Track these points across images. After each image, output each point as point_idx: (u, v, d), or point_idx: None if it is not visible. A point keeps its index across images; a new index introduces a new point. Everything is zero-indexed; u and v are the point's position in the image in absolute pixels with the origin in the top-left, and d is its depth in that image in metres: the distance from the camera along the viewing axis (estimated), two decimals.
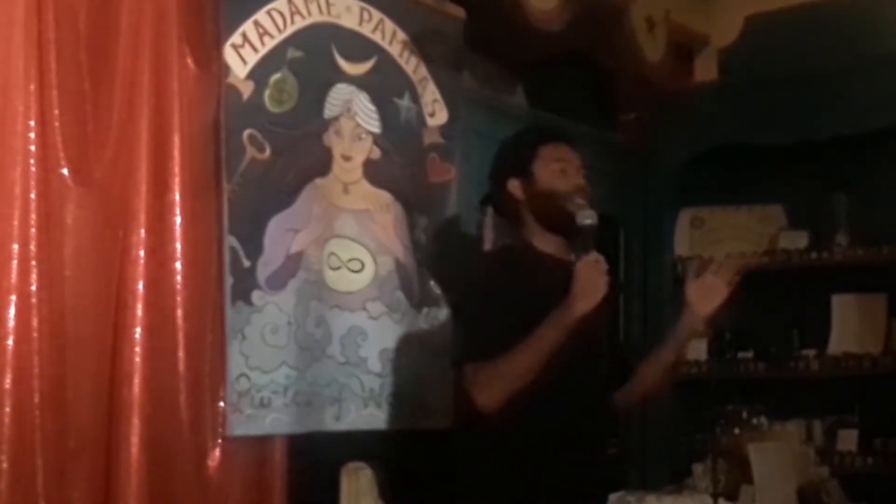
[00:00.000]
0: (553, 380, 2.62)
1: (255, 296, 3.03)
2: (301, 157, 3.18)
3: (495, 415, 2.65)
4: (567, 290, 2.67)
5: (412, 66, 3.54)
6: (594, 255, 2.70)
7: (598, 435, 2.87)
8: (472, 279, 2.95)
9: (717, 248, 4.75)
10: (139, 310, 2.74)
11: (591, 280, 2.66)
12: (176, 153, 2.86)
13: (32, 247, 2.54)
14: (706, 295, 2.92)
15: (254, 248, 3.04)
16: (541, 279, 2.77)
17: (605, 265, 2.69)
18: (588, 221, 2.73)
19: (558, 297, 2.67)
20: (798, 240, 4.59)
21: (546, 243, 2.84)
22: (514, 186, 2.87)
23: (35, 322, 2.53)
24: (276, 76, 3.12)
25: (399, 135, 3.47)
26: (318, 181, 3.23)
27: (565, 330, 2.63)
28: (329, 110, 3.28)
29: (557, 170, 2.84)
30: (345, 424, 3.25)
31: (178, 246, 2.85)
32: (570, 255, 2.78)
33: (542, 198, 2.83)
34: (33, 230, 2.54)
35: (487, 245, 3.99)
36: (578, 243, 2.74)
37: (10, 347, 2.48)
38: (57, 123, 2.64)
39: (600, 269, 2.68)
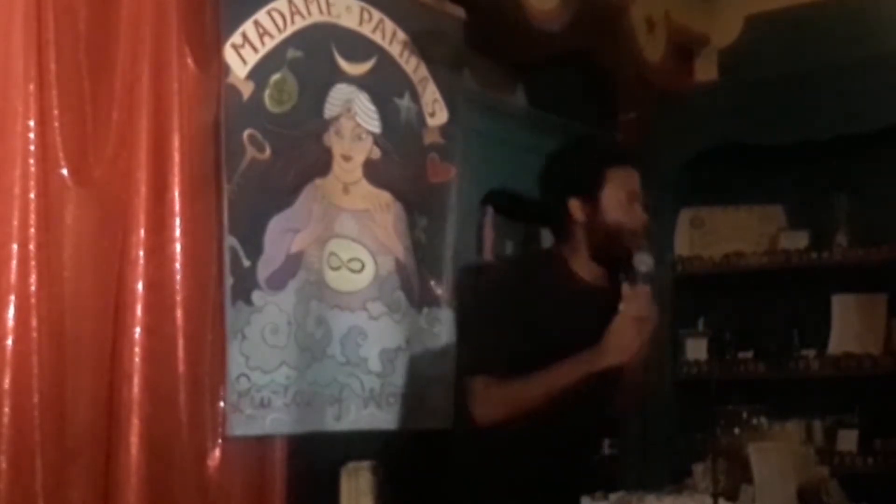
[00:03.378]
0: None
1: (255, 296, 3.03)
2: (301, 157, 3.18)
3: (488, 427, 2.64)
4: (597, 322, 2.59)
5: (412, 66, 3.54)
6: (643, 309, 2.61)
7: (588, 439, 2.86)
8: (495, 286, 2.86)
9: (717, 248, 4.76)
10: (139, 310, 2.74)
11: (628, 336, 2.58)
12: (176, 153, 2.86)
13: (32, 247, 2.54)
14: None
15: (254, 248, 3.03)
16: (571, 304, 2.69)
17: (651, 320, 2.63)
18: (644, 269, 2.65)
19: (585, 326, 2.60)
20: (798, 240, 4.59)
21: (586, 269, 2.75)
22: (576, 207, 2.74)
23: (34, 322, 2.52)
24: (276, 76, 3.12)
25: (399, 135, 3.47)
26: (318, 181, 3.23)
27: (587, 376, 2.56)
28: (329, 110, 3.28)
29: (625, 199, 2.72)
30: (345, 424, 3.24)
31: (178, 246, 2.84)
32: (608, 284, 2.71)
33: (604, 228, 2.71)
34: (33, 230, 2.54)
35: (487, 245, 4.00)
36: (629, 287, 2.64)
37: (9, 347, 2.48)
38: (56, 123, 2.63)
39: (641, 327, 2.60)
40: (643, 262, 2.64)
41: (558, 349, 2.59)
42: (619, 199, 2.71)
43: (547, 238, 4.52)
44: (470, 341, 2.84)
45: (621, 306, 2.62)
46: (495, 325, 2.68)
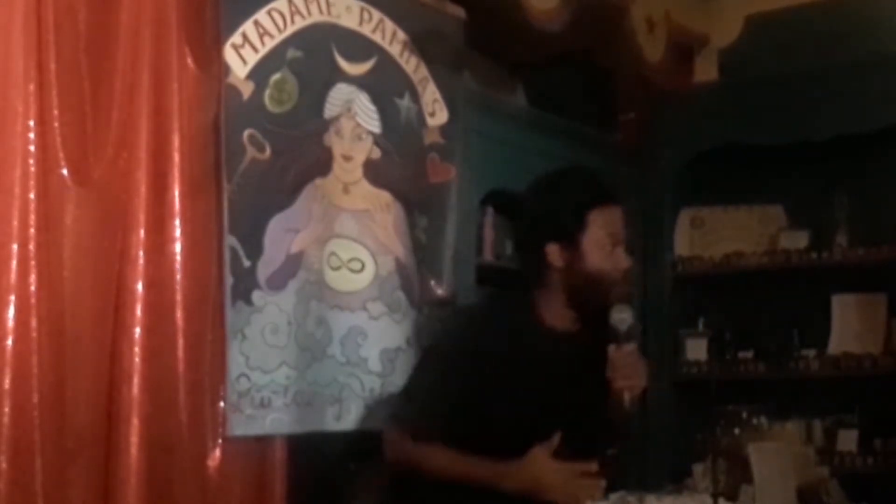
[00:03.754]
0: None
1: (256, 296, 3.03)
2: (301, 157, 3.18)
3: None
4: (568, 371, 2.47)
5: (412, 66, 3.54)
6: (632, 373, 2.45)
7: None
8: (453, 334, 2.67)
9: (717, 248, 4.76)
10: (139, 310, 2.74)
11: (548, 472, 2.40)
12: (176, 153, 2.86)
13: (32, 247, 2.53)
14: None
15: (254, 248, 3.03)
16: (536, 355, 2.51)
17: (641, 381, 2.47)
18: (622, 327, 2.47)
19: (553, 375, 2.47)
20: (798, 240, 4.59)
21: (559, 317, 2.56)
22: (554, 253, 2.52)
23: (34, 322, 2.52)
24: (276, 76, 3.12)
25: (399, 135, 3.47)
26: (318, 181, 3.23)
27: (498, 486, 2.40)
28: (329, 110, 3.28)
29: (606, 242, 2.51)
30: (345, 424, 3.24)
31: (178, 246, 2.84)
32: (583, 333, 2.55)
33: (583, 275, 2.50)
34: (32, 230, 2.54)
35: (487, 245, 4.00)
36: (614, 349, 2.47)
37: (9, 347, 2.48)
38: (56, 124, 2.63)
39: (581, 481, 2.40)
40: (622, 319, 2.47)
41: (524, 400, 2.44)
42: (601, 243, 2.51)
43: None
44: (412, 390, 2.61)
45: (609, 372, 2.46)
46: (438, 380, 2.51)
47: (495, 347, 2.49)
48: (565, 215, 2.52)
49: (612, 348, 2.46)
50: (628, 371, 2.45)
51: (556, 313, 2.55)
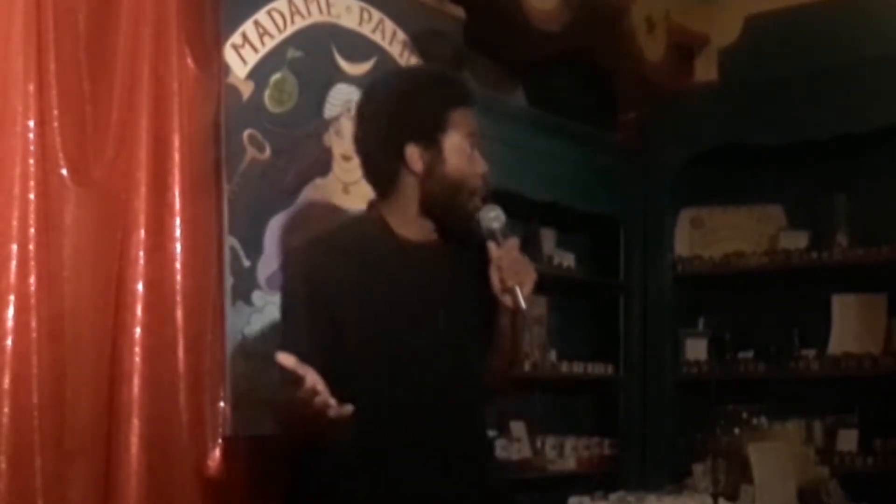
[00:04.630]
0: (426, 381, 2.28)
1: (255, 296, 3.02)
2: (301, 157, 3.18)
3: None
4: (429, 283, 2.31)
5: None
6: (519, 266, 2.28)
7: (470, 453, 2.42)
8: (298, 261, 2.43)
9: (717, 248, 4.76)
10: (139, 310, 2.74)
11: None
12: (176, 153, 2.86)
13: (31, 247, 2.53)
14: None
15: (254, 248, 3.03)
16: (392, 270, 2.33)
17: (531, 275, 2.28)
18: (496, 225, 2.33)
19: (414, 289, 2.31)
20: (798, 240, 4.60)
21: (412, 227, 2.38)
22: (413, 154, 2.34)
23: (34, 322, 2.52)
24: (276, 76, 3.12)
25: None
26: (318, 181, 3.23)
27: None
28: (329, 110, 3.28)
29: (468, 145, 2.37)
30: None
31: (178, 246, 2.84)
32: (435, 240, 2.39)
33: (444, 180, 2.35)
34: (32, 230, 2.54)
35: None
36: (494, 247, 2.30)
37: (8, 347, 2.47)
38: (56, 123, 2.63)
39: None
40: (495, 218, 2.33)
41: (389, 321, 2.27)
42: (461, 146, 2.35)
43: (548, 239, 4.56)
44: (284, 332, 2.40)
45: (492, 272, 2.27)
46: (299, 308, 2.32)
47: (346, 274, 2.30)
48: (427, 115, 2.35)
49: (492, 247, 2.30)
50: (516, 266, 2.28)
51: (408, 223, 2.37)
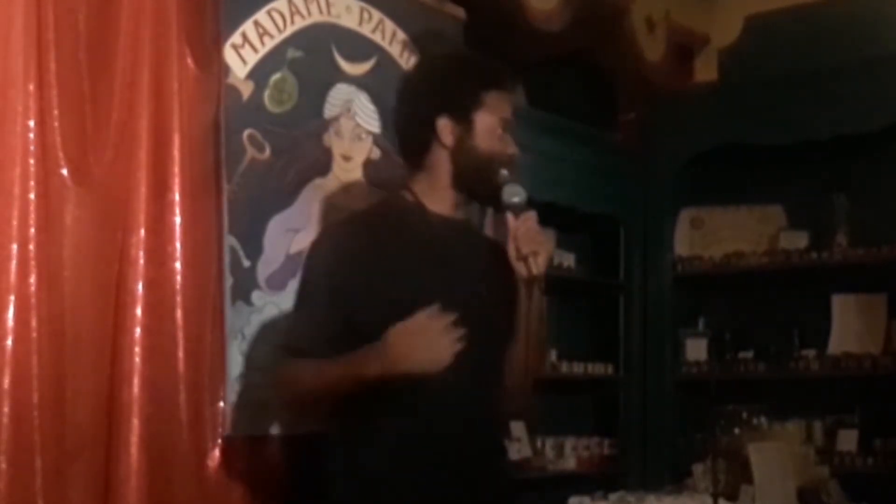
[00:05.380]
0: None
1: (255, 296, 3.03)
2: (301, 157, 3.18)
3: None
4: (458, 257, 2.37)
5: (412, 66, 3.54)
6: (535, 238, 2.33)
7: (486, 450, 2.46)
8: (328, 244, 2.46)
9: (717, 248, 4.76)
10: (139, 310, 2.74)
11: (430, 343, 2.19)
12: (176, 153, 2.86)
13: (32, 247, 2.53)
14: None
15: (254, 248, 3.03)
16: (425, 247, 2.39)
17: (546, 249, 2.36)
18: (516, 199, 2.39)
19: (445, 266, 2.35)
20: (798, 240, 4.60)
21: (443, 201, 2.45)
22: (445, 127, 2.42)
23: (34, 322, 2.52)
24: (276, 76, 3.12)
25: None
26: (318, 181, 3.23)
27: (376, 376, 2.21)
28: (329, 110, 3.28)
29: (499, 126, 2.44)
30: None
31: (178, 246, 2.84)
32: (465, 216, 2.50)
33: (474, 155, 2.42)
34: (32, 230, 2.54)
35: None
36: (513, 220, 2.36)
37: (9, 347, 2.48)
38: (56, 123, 2.63)
39: (444, 330, 2.18)
40: (515, 192, 2.39)
41: (424, 299, 2.24)
42: (493, 125, 2.43)
43: (548, 238, 4.56)
44: (300, 320, 2.45)
45: (509, 241, 2.35)
46: (331, 300, 2.34)
47: (378, 243, 2.36)
48: (463, 89, 2.43)
49: (510, 217, 2.37)
50: (531, 235, 2.35)
51: (439, 198, 2.45)
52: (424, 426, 2.33)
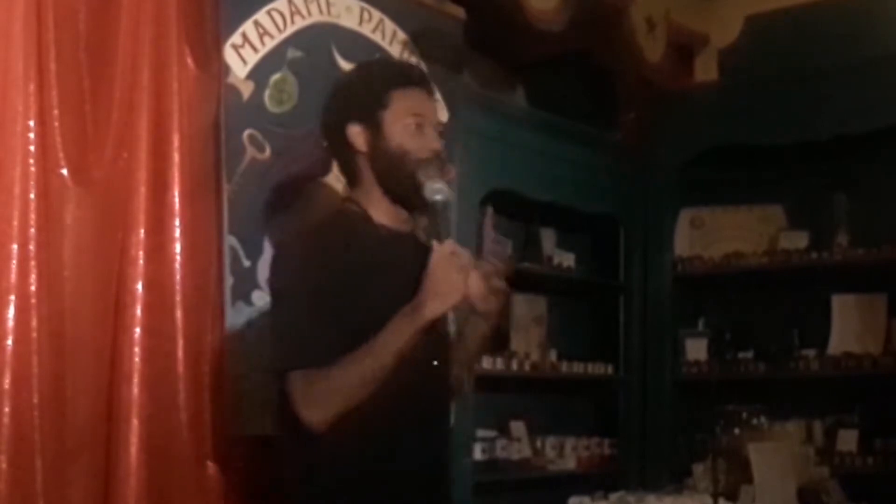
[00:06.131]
0: (392, 390, 2.22)
1: (255, 296, 3.02)
2: (301, 157, 3.18)
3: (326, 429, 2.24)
4: (407, 274, 2.26)
5: None
6: (450, 245, 2.25)
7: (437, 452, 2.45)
8: (291, 260, 2.38)
9: (717, 248, 4.76)
10: (139, 310, 2.74)
11: (446, 277, 2.20)
12: (176, 153, 2.86)
13: (32, 247, 2.54)
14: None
15: (254, 248, 3.03)
16: (377, 260, 2.32)
17: (464, 257, 2.25)
18: (438, 197, 2.31)
19: (402, 280, 2.26)
20: (798, 240, 4.59)
21: (385, 213, 2.40)
22: (356, 133, 2.40)
23: (34, 322, 2.52)
24: (276, 76, 3.12)
25: None
26: (318, 181, 3.23)
27: (413, 335, 2.20)
28: None
29: (412, 124, 2.38)
30: None
31: (178, 246, 2.84)
32: (412, 229, 2.42)
33: (389, 156, 2.37)
34: (33, 230, 2.54)
35: (488, 245, 4.00)
36: (431, 226, 2.34)
37: (9, 347, 2.48)
38: (56, 123, 2.64)
39: (458, 262, 2.22)
40: (437, 190, 2.31)
41: (381, 314, 2.22)
42: (404, 122, 2.37)
43: (548, 239, 4.56)
44: (279, 335, 2.33)
45: (434, 243, 2.27)
46: (303, 310, 2.26)
47: (341, 255, 2.30)
48: (366, 93, 2.41)
49: (434, 246, 2.26)
50: (445, 279, 2.22)
51: (382, 211, 2.41)
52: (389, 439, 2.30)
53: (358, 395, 2.21)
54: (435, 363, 2.39)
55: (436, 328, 2.32)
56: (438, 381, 2.43)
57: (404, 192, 2.38)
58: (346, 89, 2.50)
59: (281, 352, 2.31)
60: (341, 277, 2.26)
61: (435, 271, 2.21)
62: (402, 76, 2.46)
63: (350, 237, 2.35)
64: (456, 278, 2.21)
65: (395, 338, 2.21)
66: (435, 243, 2.27)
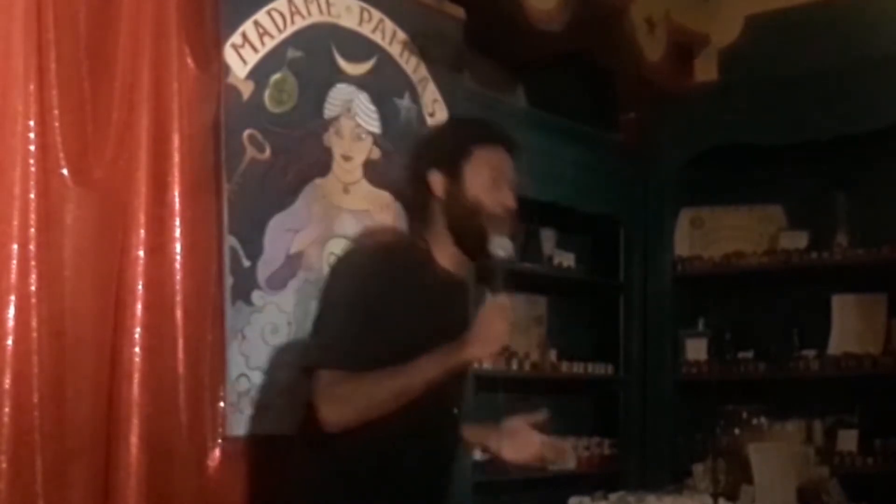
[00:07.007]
0: (408, 414, 2.34)
1: (255, 296, 3.03)
2: (301, 157, 3.19)
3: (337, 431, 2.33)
4: (459, 316, 2.42)
5: (412, 66, 3.54)
6: (503, 298, 2.37)
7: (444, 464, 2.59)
8: (355, 270, 2.49)
9: (717, 248, 4.77)
10: (139, 310, 2.74)
11: (494, 327, 2.34)
12: (176, 153, 2.86)
13: (32, 247, 2.54)
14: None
15: (254, 248, 3.04)
16: (432, 296, 2.46)
17: (510, 313, 2.37)
18: (502, 252, 2.42)
19: (446, 321, 2.41)
20: (798, 240, 4.60)
21: (448, 257, 2.51)
22: (436, 179, 2.50)
23: (34, 322, 2.53)
24: (276, 76, 3.12)
25: (399, 135, 3.47)
26: (318, 181, 3.23)
27: (448, 370, 2.34)
28: (329, 110, 3.28)
29: (489, 178, 2.49)
30: None
31: (178, 246, 2.84)
32: (466, 275, 2.54)
33: (463, 205, 2.48)
34: (33, 230, 2.54)
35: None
36: (489, 278, 2.42)
37: (9, 347, 2.48)
38: (57, 124, 2.64)
39: (506, 315, 2.35)
40: (503, 246, 2.42)
41: (416, 346, 2.34)
42: (482, 177, 2.48)
43: (548, 239, 4.56)
44: (323, 332, 2.46)
45: (488, 293, 2.39)
46: (348, 315, 2.39)
47: (400, 283, 2.42)
48: (451, 144, 2.54)
49: (489, 296, 2.39)
50: (492, 329, 2.36)
51: (445, 254, 2.51)
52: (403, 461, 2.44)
53: (380, 407, 2.32)
54: (455, 411, 2.56)
55: (465, 371, 2.51)
56: (452, 422, 2.57)
57: (471, 241, 2.48)
58: (434, 138, 2.71)
59: (317, 349, 2.43)
60: (395, 301, 2.39)
61: (485, 319, 2.35)
62: (486, 132, 2.58)
63: (412, 268, 2.47)
64: (502, 329, 2.35)
65: (432, 367, 2.33)
66: (489, 294, 2.38)
